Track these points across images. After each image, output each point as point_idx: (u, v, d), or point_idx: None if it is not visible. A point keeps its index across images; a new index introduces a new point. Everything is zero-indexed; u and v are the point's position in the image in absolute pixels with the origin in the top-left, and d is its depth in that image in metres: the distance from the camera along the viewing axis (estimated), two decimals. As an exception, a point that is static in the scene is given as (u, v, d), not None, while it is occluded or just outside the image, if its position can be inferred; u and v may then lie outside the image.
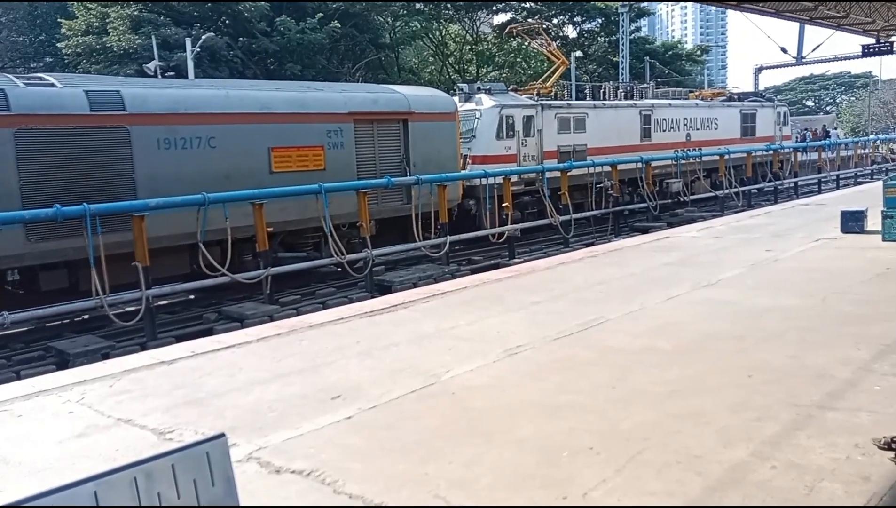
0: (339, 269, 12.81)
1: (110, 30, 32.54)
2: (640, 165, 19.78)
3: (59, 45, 34.88)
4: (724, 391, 4.80)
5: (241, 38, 34.69)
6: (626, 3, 45.19)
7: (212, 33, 31.25)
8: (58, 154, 10.93)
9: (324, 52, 36.90)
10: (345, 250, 12.71)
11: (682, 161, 21.89)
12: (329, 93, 14.96)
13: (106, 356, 9.22)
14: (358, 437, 4.38)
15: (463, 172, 16.26)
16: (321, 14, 35.39)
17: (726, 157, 22.77)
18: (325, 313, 8.48)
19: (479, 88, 20.41)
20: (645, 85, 26.54)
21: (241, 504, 2.11)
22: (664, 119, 24.46)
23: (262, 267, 11.74)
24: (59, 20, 35.10)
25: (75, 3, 34.75)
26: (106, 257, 10.04)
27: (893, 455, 3.65)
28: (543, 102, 20.75)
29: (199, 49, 27.74)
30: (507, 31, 34.06)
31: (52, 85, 11.46)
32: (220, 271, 11.13)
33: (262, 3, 34.36)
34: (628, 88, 25.45)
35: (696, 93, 30.75)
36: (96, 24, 33.51)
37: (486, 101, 19.45)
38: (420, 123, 15.69)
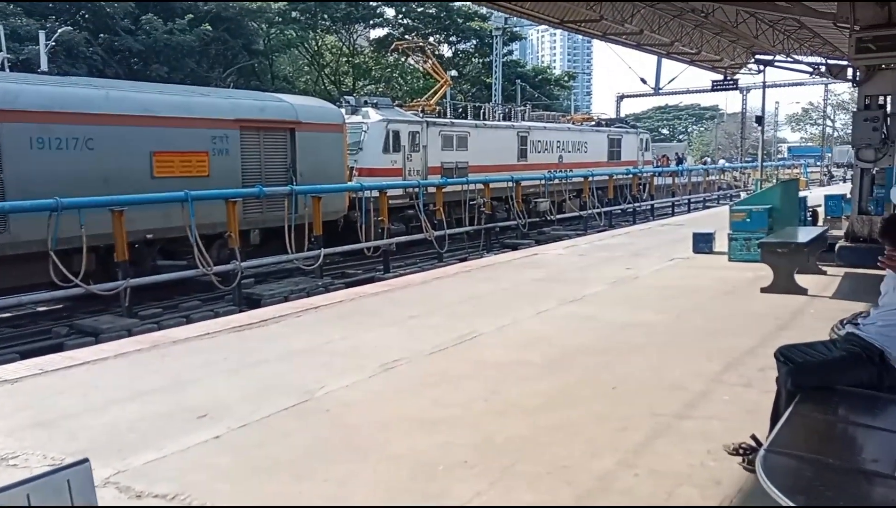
0: (219, 279, 12.26)
1: (-50, 16, 29.69)
2: (510, 184, 20.45)
3: None
4: (592, 403, 5.01)
5: (101, 35, 32.68)
6: (501, 26, 46.64)
7: (69, 27, 29.18)
8: None
9: (193, 55, 35.44)
10: (212, 261, 12.22)
11: (550, 182, 22.85)
12: (215, 98, 14.55)
13: (-64, 375, 8.32)
14: (227, 457, 4.19)
15: (338, 184, 16.11)
16: (191, 15, 34.02)
17: (591, 179, 23.99)
18: (190, 328, 8.09)
19: (365, 102, 20.61)
20: (522, 108, 27.66)
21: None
22: (539, 141, 25.62)
23: (121, 278, 11.06)
24: None
25: None
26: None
27: (741, 459, 3.93)
28: (429, 120, 21.19)
29: (54, 43, 25.83)
30: (392, 47, 34.41)
31: None
32: (73, 281, 10.38)
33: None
34: (507, 110, 26.39)
35: (568, 117, 32.29)
36: (-68, 8, 30.49)
37: (373, 115, 19.64)
38: (307, 133, 15.59)
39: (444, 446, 4.31)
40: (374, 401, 5.18)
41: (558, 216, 23.13)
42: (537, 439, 4.39)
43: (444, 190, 17.86)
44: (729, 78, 26.45)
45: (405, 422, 4.73)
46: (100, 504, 1.87)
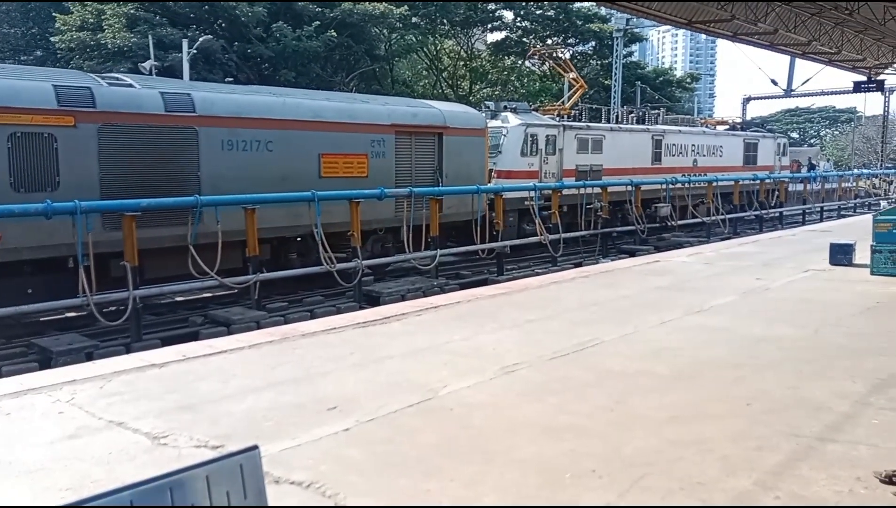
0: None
1: (105, 27, 32.33)
2: (629, 188, 19.97)
3: (52, 39, 34.57)
4: (724, 420, 4.79)
5: (236, 42, 34.57)
6: (622, 27, 45.64)
7: (209, 36, 31.11)
8: (134, 150, 11.44)
9: (318, 60, 36.86)
10: (335, 259, 12.66)
11: (672, 186, 22.11)
12: (374, 105, 15.60)
13: (90, 356, 9.08)
14: (357, 450, 4.32)
15: (452, 187, 16.29)
16: (318, 22, 35.40)
17: (716, 184, 23.07)
18: (317, 323, 8.40)
19: (504, 107, 21.18)
20: (656, 111, 27.13)
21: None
22: (674, 144, 25.18)
23: (251, 272, 11.65)
24: (53, 14, 34.82)
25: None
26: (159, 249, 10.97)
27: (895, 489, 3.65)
28: (565, 123, 21.37)
29: (195, 51, 27.60)
30: (529, 53, 35.10)
31: (131, 86, 11.91)
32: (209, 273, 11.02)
33: (259, 8, 34.32)
34: (641, 113, 25.98)
35: (702, 120, 31.46)
36: (91, 20, 33.29)
37: (513, 119, 20.09)
38: (453, 137, 16.42)
39: (570, 454, 4.25)
40: (496, 404, 5.18)
41: (679, 222, 22.35)
42: (667, 453, 4.25)
43: (563, 193, 17.72)
44: (873, 78, 24.65)
45: (529, 427, 4.70)
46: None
